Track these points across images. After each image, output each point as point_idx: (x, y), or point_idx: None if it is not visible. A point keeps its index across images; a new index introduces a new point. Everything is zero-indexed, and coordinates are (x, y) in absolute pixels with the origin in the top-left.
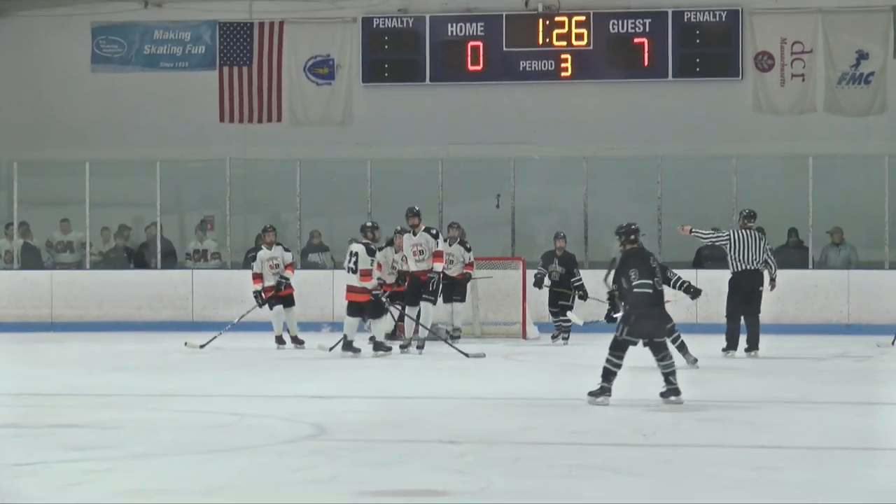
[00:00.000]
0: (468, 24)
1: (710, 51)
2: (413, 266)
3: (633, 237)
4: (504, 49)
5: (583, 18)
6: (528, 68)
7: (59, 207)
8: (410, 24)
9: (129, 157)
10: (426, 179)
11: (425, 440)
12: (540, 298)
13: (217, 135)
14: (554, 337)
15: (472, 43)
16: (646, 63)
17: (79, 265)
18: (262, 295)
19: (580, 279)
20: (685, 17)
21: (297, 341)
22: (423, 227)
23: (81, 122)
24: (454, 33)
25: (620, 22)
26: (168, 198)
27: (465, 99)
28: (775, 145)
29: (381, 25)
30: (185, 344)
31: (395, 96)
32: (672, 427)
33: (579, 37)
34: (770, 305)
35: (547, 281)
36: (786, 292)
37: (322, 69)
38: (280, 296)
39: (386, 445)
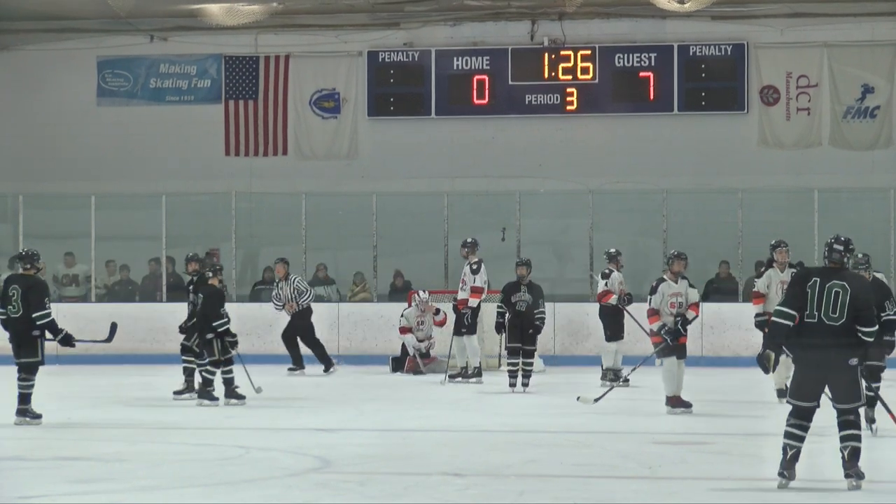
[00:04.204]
0: (474, 58)
1: (716, 85)
2: (459, 295)
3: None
4: (510, 83)
5: (588, 52)
6: (533, 102)
7: (65, 241)
8: (416, 58)
9: (134, 191)
10: (432, 213)
11: (430, 473)
12: (545, 331)
13: (222, 168)
14: (513, 385)
15: (477, 77)
16: (651, 97)
17: (84, 298)
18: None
19: (543, 311)
20: (690, 51)
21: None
22: (473, 260)
23: (87, 156)
24: (460, 67)
25: (626, 56)
26: (173, 231)
27: (470, 133)
28: (780, 179)
29: (386, 59)
30: (578, 398)
31: (401, 130)
32: (677, 460)
33: (585, 71)
34: None
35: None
36: None
37: (327, 103)
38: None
39: (391, 478)
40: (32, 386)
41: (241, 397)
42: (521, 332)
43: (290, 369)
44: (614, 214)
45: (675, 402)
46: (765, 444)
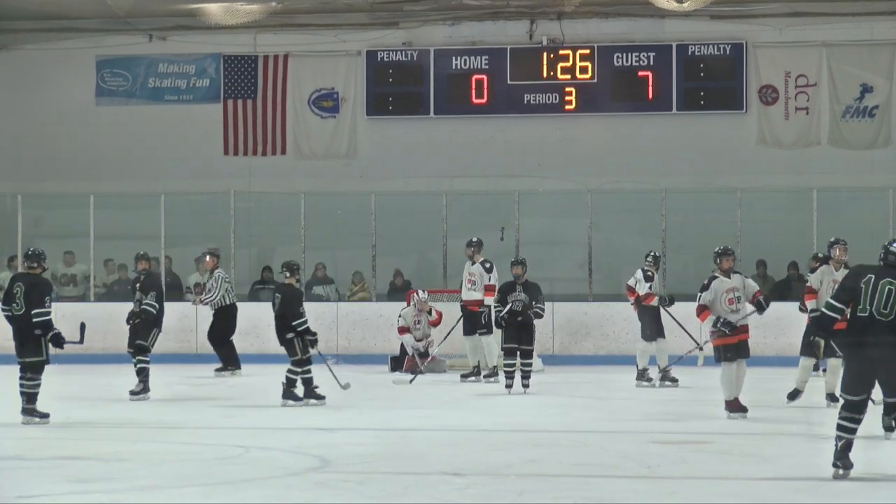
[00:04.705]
0: (472, 58)
1: (715, 84)
2: (464, 295)
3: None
4: (508, 82)
5: (587, 52)
6: (532, 101)
7: (64, 240)
8: (415, 58)
9: (133, 190)
10: (430, 212)
11: (430, 472)
12: (544, 330)
13: (221, 168)
14: (509, 386)
15: (476, 76)
16: (650, 96)
17: (83, 298)
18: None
19: (542, 306)
20: (689, 50)
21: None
22: (480, 259)
23: (86, 155)
24: (458, 66)
25: (625, 55)
26: (172, 231)
27: (469, 132)
28: (779, 178)
29: (385, 59)
30: (639, 382)
31: (400, 129)
32: (677, 460)
33: (584, 70)
34: (774, 339)
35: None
36: (790, 325)
37: (326, 102)
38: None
39: (391, 478)
40: (39, 385)
41: (320, 397)
42: (518, 332)
43: (217, 370)
44: (613, 214)
45: (734, 407)
46: (765, 444)
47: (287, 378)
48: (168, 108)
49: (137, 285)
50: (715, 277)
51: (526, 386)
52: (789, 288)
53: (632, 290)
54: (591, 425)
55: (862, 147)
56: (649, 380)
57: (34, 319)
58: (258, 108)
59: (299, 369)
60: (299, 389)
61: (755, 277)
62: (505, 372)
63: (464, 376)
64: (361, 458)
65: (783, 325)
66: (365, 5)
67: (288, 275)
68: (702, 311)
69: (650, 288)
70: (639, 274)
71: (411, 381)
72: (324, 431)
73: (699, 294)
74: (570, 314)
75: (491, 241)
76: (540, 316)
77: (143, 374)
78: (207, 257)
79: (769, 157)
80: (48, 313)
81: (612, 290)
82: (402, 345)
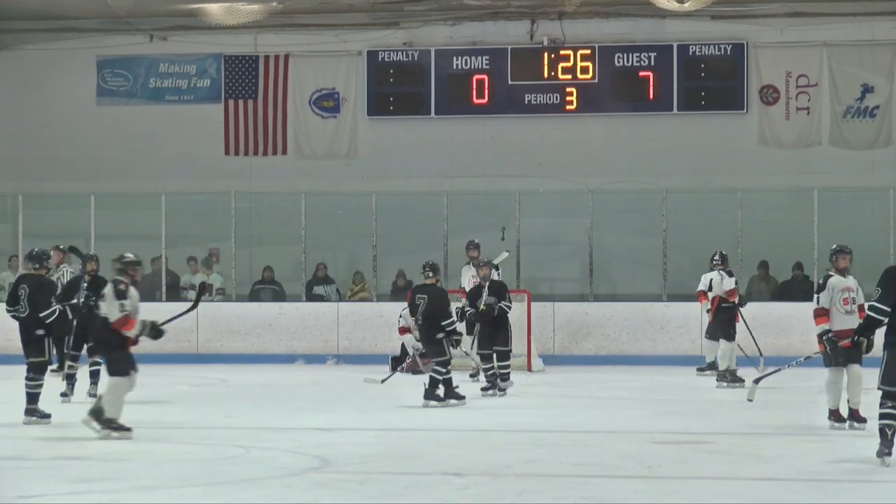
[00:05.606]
0: (473, 58)
1: (715, 84)
2: None
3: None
4: (509, 82)
5: (588, 52)
6: (533, 102)
7: (64, 240)
8: (415, 58)
9: (134, 190)
10: (431, 212)
11: (430, 472)
12: (545, 331)
13: (222, 168)
14: (486, 389)
15: (477, 76)
16: (651, 96)
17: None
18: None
19: (510, 303)
20: (690, 50)
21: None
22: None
23: (87, 155)
24: (459, 67)
25: (625, 55)
26: (173, 231)
27: (470, 132)
28: (780, 178)
29: (386, 59)
30: (750, 400)
31: (400, 129)
32: (677, 460)
33: (584, 70)
34: (775, 338)
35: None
36: (791, 324)
37: (327, 102)
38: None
39: (390, 478)
40: (41, 386)
41: (461, 397)
42: (492, 334)
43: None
44: (614, 214)
45: (838, 416)
46: (765, 443)
47: (431, 378)
48: (169, 109)
49: (84, 284)
50: (830, 276)
51: (503, 390)
52: (792, 289)
53: (704, 294)
54: (591, 425)
55: (863, 147)
56: (732, 380)
57: (46, 322)
58: (259, 108)
59: (444, 370)
60: (440, 390)
61: (756, 278)
62: (485, 377)
63: (472, 376)
64: (361, 458)
65: (784, 325)
66: (366, 5)
67: (431, 274)
68: (819, 314)
69: (735, 283)
70: (715, 275)
71: (383, 382)
72: (324, 431)
73: (815, 296)
74: (570, 314)
75: (491, 241)
76: (508, 309)
77: (92, 377)
78: (52, 252)
79: (770, 157)
80: (53, 313)
81: (612, 289)
82: (402, 345)
